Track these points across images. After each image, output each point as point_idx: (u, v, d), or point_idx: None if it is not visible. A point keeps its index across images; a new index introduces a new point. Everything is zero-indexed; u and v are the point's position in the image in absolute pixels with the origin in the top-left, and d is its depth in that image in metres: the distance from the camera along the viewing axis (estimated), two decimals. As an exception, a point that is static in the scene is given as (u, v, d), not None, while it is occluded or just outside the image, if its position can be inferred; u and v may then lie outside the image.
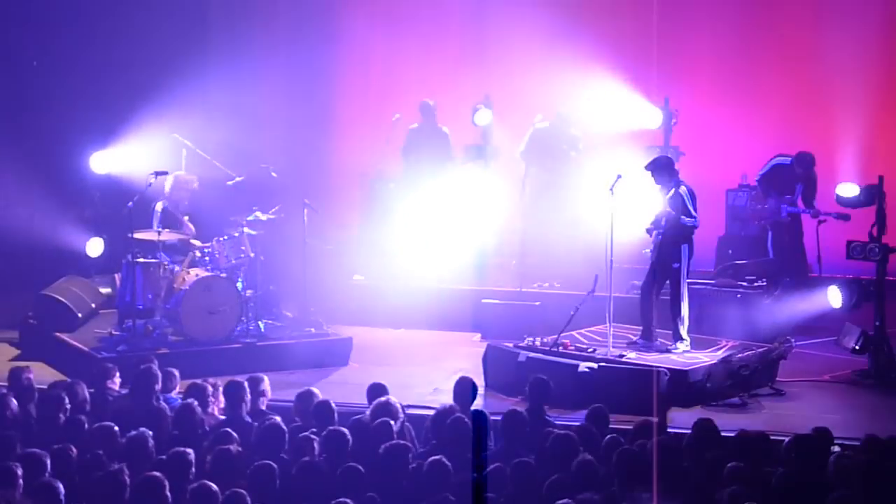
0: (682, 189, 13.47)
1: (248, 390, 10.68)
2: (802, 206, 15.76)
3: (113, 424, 9.64)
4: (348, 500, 8.18)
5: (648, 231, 13.68)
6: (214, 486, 8.20)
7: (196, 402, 10.32)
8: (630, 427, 10.47)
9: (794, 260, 16.00)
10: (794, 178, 15.83)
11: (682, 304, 13.62)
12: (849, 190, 14.74)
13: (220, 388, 10.92)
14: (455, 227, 17.16)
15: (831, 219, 15.42)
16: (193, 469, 8.78)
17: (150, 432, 9.37)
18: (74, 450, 9.11)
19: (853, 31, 17.23)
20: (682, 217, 13.38)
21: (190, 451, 8.88)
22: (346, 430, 9.56)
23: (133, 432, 9.34)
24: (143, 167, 15.19)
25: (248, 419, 10.43)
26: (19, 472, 8.38)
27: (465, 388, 10.92)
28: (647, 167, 13.75)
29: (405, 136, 17.12)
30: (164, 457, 9.00)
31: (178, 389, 11.39)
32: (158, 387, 11.02)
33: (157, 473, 8.38)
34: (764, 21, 17.60)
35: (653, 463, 9.03)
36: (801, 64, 17.36)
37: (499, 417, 10.32)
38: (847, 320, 14.57)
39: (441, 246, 17.05)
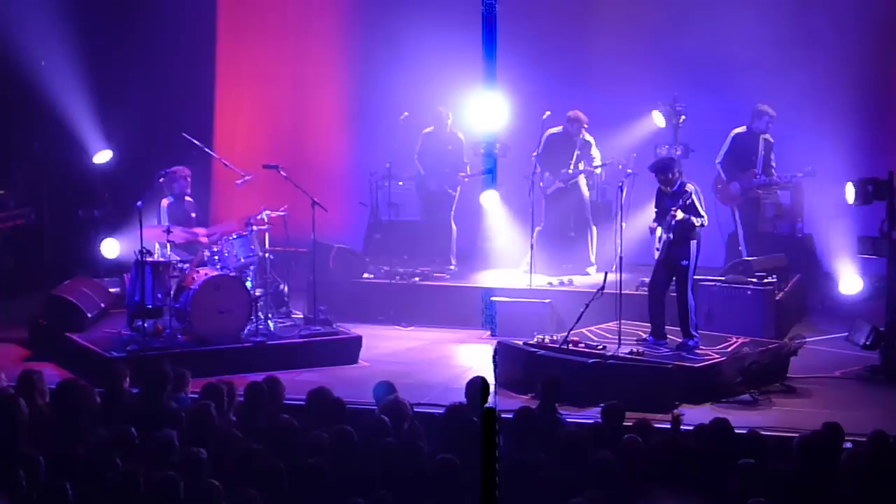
0: (691, 188, 13.48)
1: (267, 392, 10.68)
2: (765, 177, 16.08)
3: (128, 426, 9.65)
4: (360, 500, 8.17)
5: (652, 230, 13.67)
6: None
7: (212, 404, 10.33)
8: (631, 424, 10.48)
9: (755, 236, 16.28)
10: (753, 142, 15.95)
11: (689, 300, 13.61)
12: (852, 194, 14.52)
13: (234, 388, 10.92)
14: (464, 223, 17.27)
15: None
16: (207, 469, 8.77)
17: (175, 433, 9.38)
18: (85, 450, 9.12)
19: (858, 25, 17.21)
20: (693, 219, 13.36)
21: (203, 451, 8.88)
22: (351, 430, 9.56)
23: (159, 433, 9.34)
24: (152, 167, 15.21)
25: (262, 420, 10.43)
26: (22, 472, 8.40)
27: (476, 387, 10.91)
28: (651, 169, 13.81)
29: (420, 141, 17.14)
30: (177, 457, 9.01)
31: (189, 389, 11.39)
32: (169, 387, 11.03)
33: (172, 473, 8.39)
34: (771, 17, 17.55)
35: (663, 461, 9.03)
36: (807, 60, 17.31)
37: (509, 415, 10.32)
38: (858, 317, 14.55)
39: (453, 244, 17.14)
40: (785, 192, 16.81)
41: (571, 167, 16.57)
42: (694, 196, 13.44)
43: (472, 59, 18.19)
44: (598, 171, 16.75)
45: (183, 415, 10.29)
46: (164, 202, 14.87)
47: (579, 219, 16.78)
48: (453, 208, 17.21)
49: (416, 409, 10.71)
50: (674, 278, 13.70)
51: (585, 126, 16.57)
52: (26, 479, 8.37)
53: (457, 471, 8.74)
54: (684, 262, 13.53)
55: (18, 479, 8.31)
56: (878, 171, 14.61)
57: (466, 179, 17.16)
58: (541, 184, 16.54)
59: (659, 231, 13.60)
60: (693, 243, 13.52)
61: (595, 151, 16.64)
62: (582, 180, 16.72)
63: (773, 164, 16.18)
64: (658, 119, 16.96)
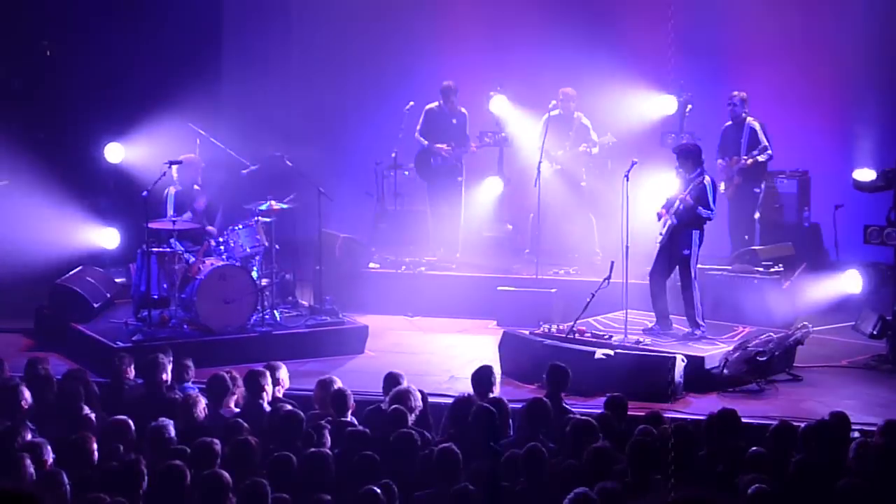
0: (707, 180, 13.45)
1: (269, 380, 10.68)
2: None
3: (127, 417, 9.66)
4: (375, 489, 8.17)
5: (659, 215, 13.65)
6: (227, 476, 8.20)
7: (197, 394, 10.35)
8: (642, 414, 10.47)
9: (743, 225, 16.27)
10: (738, 131, 15.86)
11: (693, 290, 13.58)
12: (866, 175, 14.68)
13: (239, 378, 10.91)
14: (469, 212, 17.25)
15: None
16: (218, 459, 8.77)
17: (171, 422, 9.39)
18: (91, 439, 9.12)
19: (867, 16, 17.17)
20: (700, 208, 13.34)
21: (216, 440, 8.87)
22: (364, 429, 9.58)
23: (153, 423, 9.35)
24: (157, 156, 15.19)
25: (267, 408, 10.43)
26: (27, 461, 8.39)
27: (484, 376, 10.91)
28: (675, 150, 13.80)
29: (423, 117, 17.01)
30: (186, 447, 9.00)
31: (192, 378, 11.40)
32: (167, 376, 11.04)
33: (179, 462, 8.38)
34: (779, 5, 17.51)
35: (668, 451, 9.01)
36: (815, 50, 17.28)
37: (516, 405, 10.31)
38: (865, 305, 14.53)
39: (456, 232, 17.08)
40: (792, 181, 16.76)
41: (568, 147, 16.51)
42: (708, 188, 13.40)
43: (477, 51, 18.25)
44: (594, 150, 16.61)
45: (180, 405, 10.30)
46: (172, 190, 14.84)
47: (576, 207, 16.70)
48: (462, 197, 17.10)
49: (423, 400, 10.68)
50: (676, 267, 13.68)
51: (574, 102, 16.50)
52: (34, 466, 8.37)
53: (460, 460, 8.73)
54: (686, 251, 13.51)
55: (25, 466, 8.30)
56: (885, 161, 14.61)
57: (475, 150, 16.98)
58: (539, 167, 16.46)
59: (665, 218, 13.59)
60: (696, 233, 13.50)
61: (593, 135, 16.59)
62: (579, 167, 16.64)
63: (766, 147, 15.89)
64: (664, 107, 16.93)
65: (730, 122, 16.04)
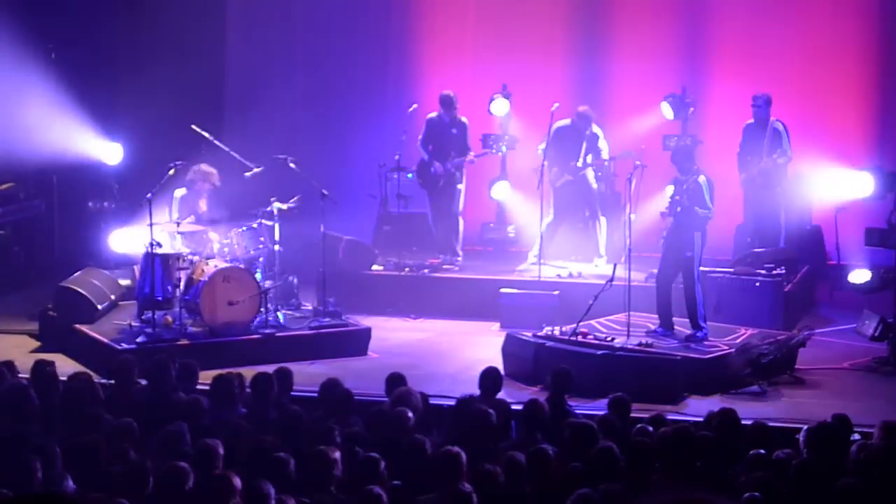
0: (701, 178, 13.45)
1: (275, 383, 10.71)
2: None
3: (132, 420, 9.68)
4: (376, 487, 8.19)
5: (664, 215, 13.68)
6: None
7: (201, 397, 10.38)
8: (646, 416, 10.50)
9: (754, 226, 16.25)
10: (760, 131, 15.81)
11: (696, 292, 13.60)
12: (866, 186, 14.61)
13: (245, 380, 10.94)
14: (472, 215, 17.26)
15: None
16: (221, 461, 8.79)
17: (186, 425, 9.41)
18: (98, 442, 9.14)
19: (867, 16, 17.21)
20: (697, 208, 13.36)
21: (219, 442, 8.89)
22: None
23: (170, 426, 9.36)
24: (160, 158, 15.21)
25: (273, 411, 10.47)
26: (37, 464, 8.42)
27: (491, 378, 10.93)
28: (670, 155, 13.85)
29: (424, 126, 17.02)
30: (190, 448, 9.03)
31: (196, 380, 11.42)
32: (171, 378, 11.05)
33: (182, 464, 8.40)
34: (782, 7, 17.55)
35: (669, 453, 9.04)
36: (816, 51, 17.32)
37: (518, 407, 10.34)
38: (866, 308, 14.57)
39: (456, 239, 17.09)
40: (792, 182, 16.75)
41: (580, 160, 16.51)
42: (704, 187, 13.41)
43: (481, 53, 18.29)
44: (606, 163, 16.67)
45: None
46: (178, 193, 14.87)
47: (588, 210, 16.74)
48: (461, 202, 17.09)
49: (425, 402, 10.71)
50: (680, 270, 13.70)
51: (593, 122, 16.51)
52: (42, 469, 8.40)
53: (463, 462, 8.76)
54: (688, 254, 13.53)
55: (33, 468, 8.33)
56: (887, 162, 14.62)
57: (474, 160, 16.95)
58: (550, 176, 16.45)
59: (667, 220, 13.63)
60: (697, 235, 13.51)
61: (603, 143, 16.58)
62: (590, 172, 16.66)
63: (785, 149, 15.79)
64: (666, 111, 16.94)
65: (752, 121, 15.96)
